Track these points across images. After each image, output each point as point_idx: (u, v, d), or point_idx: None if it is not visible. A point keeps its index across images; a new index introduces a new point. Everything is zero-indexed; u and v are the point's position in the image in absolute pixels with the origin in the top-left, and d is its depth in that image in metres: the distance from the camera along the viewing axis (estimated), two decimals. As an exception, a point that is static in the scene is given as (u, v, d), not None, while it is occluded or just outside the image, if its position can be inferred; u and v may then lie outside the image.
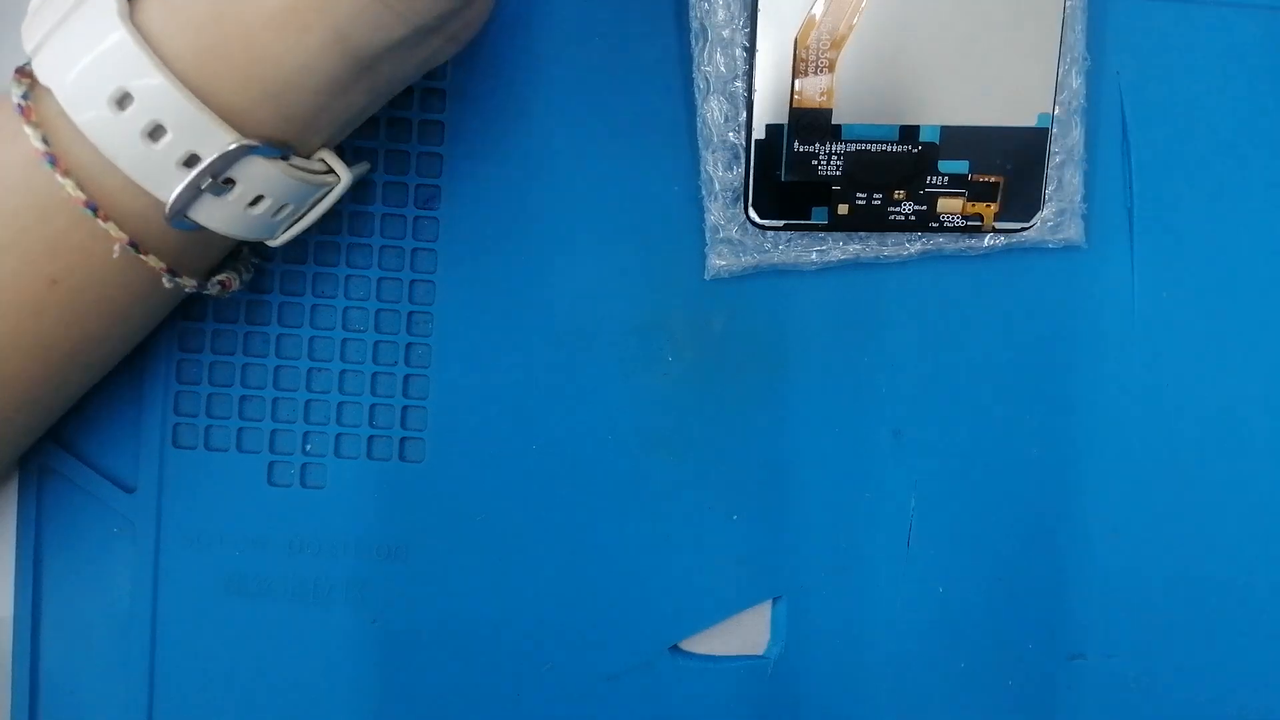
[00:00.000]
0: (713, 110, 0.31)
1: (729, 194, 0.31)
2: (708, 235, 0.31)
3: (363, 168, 0.29)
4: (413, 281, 0.32)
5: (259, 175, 0.24)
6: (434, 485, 0.32)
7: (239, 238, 0.26)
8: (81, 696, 0.33)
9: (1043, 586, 0.33)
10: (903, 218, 0.31)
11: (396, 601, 0.32)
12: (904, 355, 0.32)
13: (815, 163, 0.30)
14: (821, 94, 0.29)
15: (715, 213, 0.31)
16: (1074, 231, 0.32)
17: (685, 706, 0.33)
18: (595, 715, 0.33)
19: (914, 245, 0.31)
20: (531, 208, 0.32)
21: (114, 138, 0.23)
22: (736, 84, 0.30)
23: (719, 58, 0.30)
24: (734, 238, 0.31)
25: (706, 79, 0.30)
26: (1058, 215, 0.31)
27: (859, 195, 0.30)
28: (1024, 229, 0.31)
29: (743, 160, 0.31)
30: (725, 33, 0.30)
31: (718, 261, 0.31)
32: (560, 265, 0.32)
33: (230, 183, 0.24)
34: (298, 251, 0.32)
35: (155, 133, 0.23)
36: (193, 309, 0.32)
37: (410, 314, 0.32)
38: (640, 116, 0.32)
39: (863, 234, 0.31)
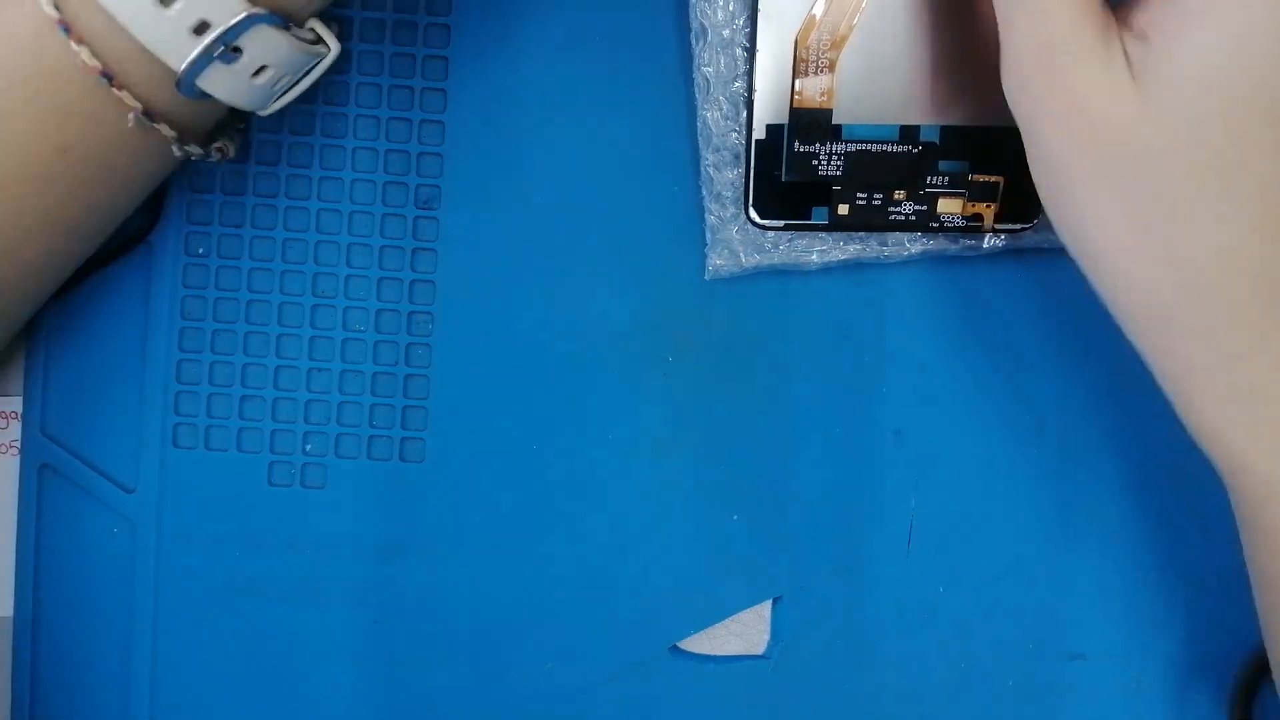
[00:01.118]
0: (713, 110, 0.31)
1: (729, 194, 0.31)
2: (708, 235, 0.31)
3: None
4: (413, 282, 0.32)
5: (265, 45, 0.25)
6: (434, 485, 0.32)
7: (240, 107, 0.26)
8: (81, 696, 0.33)
9: (1043, 586, 0.33)
10: (903, 218, 0.31)
11: (397, 601, 0.32)
12: (904, 355, 0.32)
13: (815, 163, 0.30)
14: (821, 94, 0.29)
15: (715, 213, 0.31)
16: (1074, 231, 0.31)
17: (685, 706, 0.33)
18: (595, 715, 0.33)
19: (914, 245, 0.31)
20: (531, 208, 0.32)
21: (127, 3, 0.23)
22: (736, 84, 0.30)
23: (719, 58, 0.30)
24: (734, 238, 0.31)
25: (706, 79, 0.30)
26: (1058, 215, 0.31)
27: (859, 195, 0.30)
28: (1024, 229, 0.31)
29: (743, 160, 0.31)
30: (725, 33, 0.30)
31: (718, 261, 0.31)
32: (560, 265, 0.32)
33: (238, 51, 0.25)
34: (298, 251, 0.32)
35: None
36: (193, 308, 0.32)
37: (410, 314, 0.32)
38: (640, 116, 0.32)
39: (863, 234, 0.31)
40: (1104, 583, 0.33)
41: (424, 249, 0.32)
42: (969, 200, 0.30)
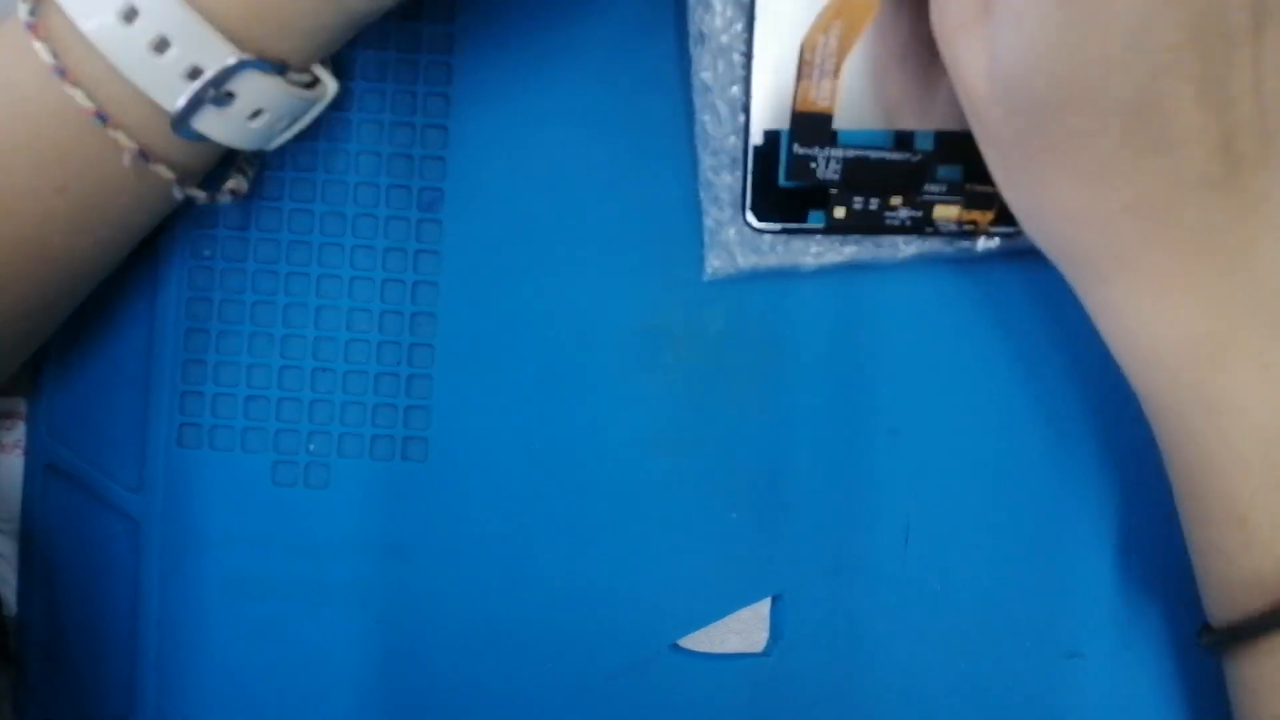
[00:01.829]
0: (711, 115, 0.31)
1: (727, 197, 0.31)
2: (706, 237, 0.32)
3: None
4: (416, 283, 0.32)
5: (258, 89, 0.25)
6: (436, 485, 0.33)
7: (239, 148, 0.27)
8: (86, 696, 0.33)
9: (1042, 586, 0.33)
10: (899, 223, 0.31)
11: (399, 601, 0.33)
12: (901, 355, 0.33)
13: (813, 165, 0.30)
14: (820, 98, 0.30)
15: (714, 215, 0.32)
16: (1068, 233, 0.32)
17: (685, 706, 0.33)
18: (595, 715, 0.33)
19: (909, 247, 0.32)
20: (533, 211, 0.32)
21: (122, 49, 0.24)
22: (734, 89, 0.31)
23: (717, 63, 0.31)
24: (732, 240, 0.32)
25: (705, 84, 0.31)
26: (1051, 217, 0.32)
27: (856, 200, 0.31)
28: (1019, 231, 0.31)
29: (740, 165, 0.31)
30: (723, 38, 0.30)
31: (716, 263, 0.32)
32: (561, 267, 0.32)
33: (231, 95, 0.25)
34: (302, 254, 0.32)
35: (161, 45, 0.24)
36: (198, 310, 0.32)
37: (414, 315, 0.32)
38: (640, 120, 0.32)
39: (858, 236, 0.32)
40: (1103, 582, 0.33)
41: (427, 251, 0.32)
42: (965, 208, 0.31)
